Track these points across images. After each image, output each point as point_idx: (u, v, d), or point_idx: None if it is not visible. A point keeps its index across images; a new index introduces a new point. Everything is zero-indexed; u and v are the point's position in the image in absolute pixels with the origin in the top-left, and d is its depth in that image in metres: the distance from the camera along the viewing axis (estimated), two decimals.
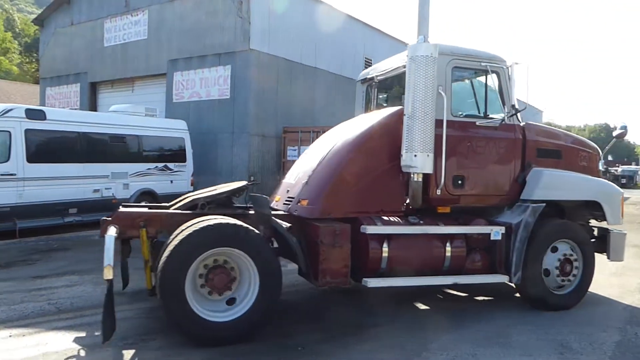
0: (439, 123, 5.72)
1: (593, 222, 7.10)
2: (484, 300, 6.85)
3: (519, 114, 6.31)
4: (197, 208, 5.57)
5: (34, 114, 10.90)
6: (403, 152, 5.68)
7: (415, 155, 5.58)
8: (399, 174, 5.80)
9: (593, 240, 6.86)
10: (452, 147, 5.89)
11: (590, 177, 6.76)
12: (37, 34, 38.35)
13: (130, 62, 19.74)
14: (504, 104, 6.22)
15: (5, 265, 8.19)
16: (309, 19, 18.82)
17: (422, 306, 6.47)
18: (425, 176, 5.77)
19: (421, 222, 5.85)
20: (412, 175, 5.72)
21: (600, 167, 7.19)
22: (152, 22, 19.02)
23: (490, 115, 6.14)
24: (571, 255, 6.32)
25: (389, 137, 5.83)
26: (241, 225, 4.89)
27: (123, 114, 13.44)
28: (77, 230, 11.61)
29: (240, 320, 4.86)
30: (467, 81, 6.51)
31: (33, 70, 52.05)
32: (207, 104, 17.24)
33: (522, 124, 6.42)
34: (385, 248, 5.57)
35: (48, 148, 11.20)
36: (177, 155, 14.15)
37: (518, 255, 5.94)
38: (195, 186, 13.37)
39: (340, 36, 20.57)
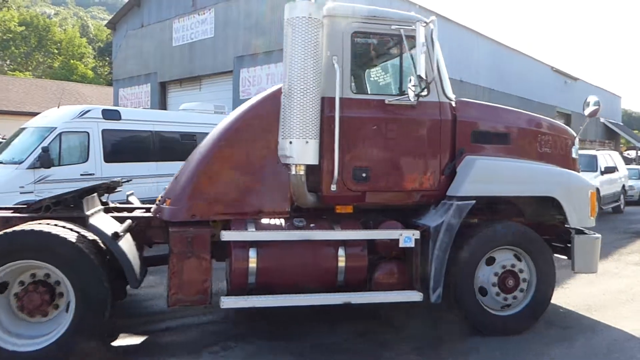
0: (333, 102, 4.67)
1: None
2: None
3: (444, 88, 5.04)
4: (41, 210, 4.61)
5: (110, 114, 11.07)
6: (279, 139, 4.70)
7: (290, 143, 4.51)
8: (282, 167, 4.73)
9: (563, 246, 5.51)
10: (352, 131, 4.76)
11: (546, 166, 5.34)
12: (110, 38, 40.09)
13: (198, 60, 19.98)
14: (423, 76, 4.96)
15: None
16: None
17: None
18: (317, 169, 4.73)
19: (313, 225, 4.82)
20: (290, 168, 4.62)
21: (574, 154, 5.74)
22: (218, 20, 19.14)
23: (414, 92, 4.72)
24: (513, 266, 5.05)
25: (265, 123, 4.80)
26: (49, 233, 4.00)
27: (193, 112, 13.48)
28: None
29: (44, 352, 4.00)
30: (375, 50, 5.30)
31: (106, 73, 54.62)
32: None
33: (452, 102, 5.13)
34: (252, 258, 4.59)
35: (123, 148, 11.36)
36: None
37: (437, 266, 4.71)
38: None
39: None
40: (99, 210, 4.95)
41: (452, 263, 4.80)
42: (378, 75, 5.67)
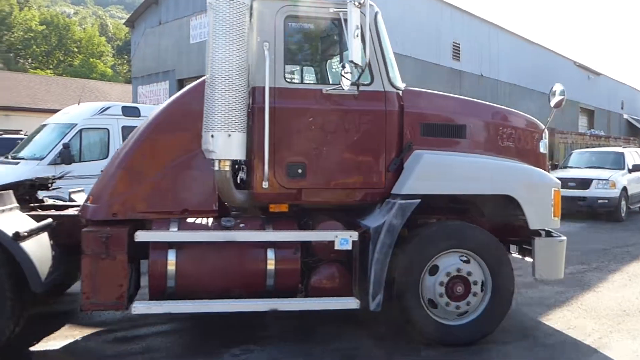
0: (263, 92, 4.36)
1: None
2: None
3: (390, 76, 4.64)
4: None
5: (130, 111, 11.06)
6: (202, 132, 4.32)
7: (212, 136, 4.17)
8: (208, 163, 4.39)
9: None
10: (286, 124, 4.44)
11: (503, 162, 4.90)
12: (128, 36, 40.41)
13: None
14: (370, 65, 4.57)
15: None
16: (396, 4, 17.99)
17: None
18: (247, 164, 4.52)
19: (242, 224, 4.53)
20: (213, 163, 4.29)
21: (543, 149, 5.29)
22: None
23: (350, 81, 4.30)
24: (459, 270, 4.55)
25: (190, 116, 4.49)
26: None
27: None
28: None
29: None
30: (313, 36, 4.88)
31: (125, 71, 55.19)
32: None
33: (399, 91, 4.74)
34: (171, 260, 4.29)
35: None
36: None
37: (377, 272, 4.31)
38: None
39: (427, 20, 19.55)
40: (13, 208, 4.54)
41: (396, 270, 4.43)
42: (318, 63, 5.16)
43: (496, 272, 4.63)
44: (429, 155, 4.62)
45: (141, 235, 4.25)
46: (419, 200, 4.47)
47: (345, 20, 4.18)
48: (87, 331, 5.05)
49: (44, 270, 4.12)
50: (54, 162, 9.66)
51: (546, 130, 5.36)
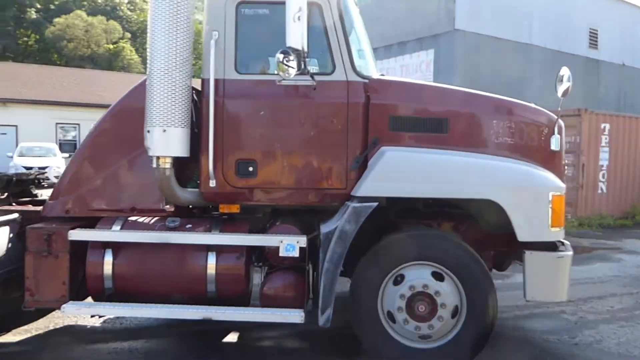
0: (220, 85, 4.08)
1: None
2: None
3: (354, 64, 4.12)
4: None
5: None
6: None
7: (148, 132, 3.98)
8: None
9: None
10: (236, 118, 4.13)
11: (486, 161, 4.14)
12: None
13: None
14: (330, 52, 4.12)
15: None
16: None
17: None
18: (191, 162, 4.19)
19: (189, 226, 4.21)
20: (152, 161, 4.04)
21: (554, 146, 4.34)
22: None
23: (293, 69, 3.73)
24: (426, 287, 3.93)
25: (139, 112, 4.15)
26: None
27: None
28: None
29: None
30: (268, 23, 4.34)
31: None
32: None
33: (365, 80, 4.19)
34: (107, 260, 4.12)
35: None
36: None
37: (327, 283, 3.86)
38: None
39: (558, 6, 17.83)
40: None
41: (353, 279, 4.04)
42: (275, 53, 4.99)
43: (472, 297, 3.95)
44: (392, 153, 4.06)
45: (74, 234, 4.12)
46: (375, 204, 3.93)
47: (312, 4, 3.89)
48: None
49: None
50: None
51: (560, 125, 4.42)
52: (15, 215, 4.46)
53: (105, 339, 4.80)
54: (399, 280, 4.01)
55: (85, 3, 57.63)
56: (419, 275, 3.98)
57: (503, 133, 4.25)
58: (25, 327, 4.99)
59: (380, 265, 4.01)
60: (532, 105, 4.49)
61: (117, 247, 4.19)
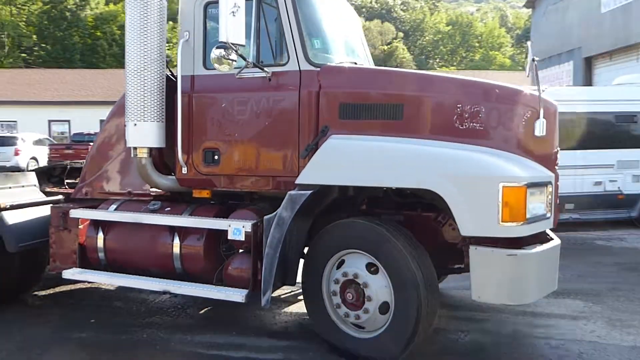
0: (185, 80, 4.49)
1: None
2: None
3: (308, 54, 4.19)
4: None
5: None
6: None
7: (125, 125, 4.63)
8: None
9: None
10: (203, 111, 4.48)
11: (429, 149, 3.82)
12: (528, 23, 38.64)
13: (635, 25, 16.20)
14: (285, 43, 4.20)
15: None
16: None
17: None
18: (169, 152, 4.64)
19: (168, 209, 4.69)
20: (132, 151, 4.62)
21: (539, 131, 3.83)
22: None
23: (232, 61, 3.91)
24: (356, 276, 3.93)
25: None
26: None
27: (632, 86, 10.64)
28: (572, 229, 9.81)
29: None
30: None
31: (523, 59, 53.64)
32: None
33: (318, 68, 4.14)
34: (100, 236, 4.84)
35: None
36: None
37: (267, 266, 4.00)
38: None
39: None
40: (30, 186, 5.78)
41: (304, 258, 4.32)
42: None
43: (397, 288, 3.84)
44: (332, 141, 4.09)
45: (73, 213, 4.90)
46: (309, 192, 4.02)
47: (263, 2, 4.16)
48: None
49: (21, 236, 5.06)
50: None
51: (550, 108, 4.13)
52: (59, 197, 5.59)
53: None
54: (340, 265, 4.12)
55: (364, 10, 61.96)
56: (354, 264, 4.03)
57: (470, 118, 3.90)
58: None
59: (321, 249, 4.16)
60: (511, 86, 4.13)
61: (106, 225, 4.87)
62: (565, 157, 9.50)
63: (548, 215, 3.88)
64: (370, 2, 62.93)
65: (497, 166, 3.69)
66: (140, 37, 4.39)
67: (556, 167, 4.12)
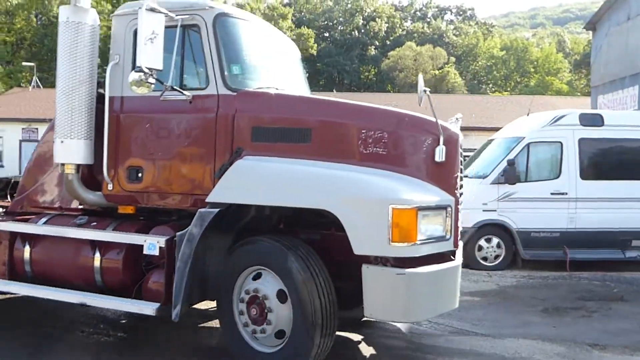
0: (113, 101, 4.72)
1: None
2: None
3: (226, 79, 4.43)
4: None
5: (590, 120, 9.08)
6: None
7: (53, 142, 4.86)
8: None
9: None
10: (127, 130, 4.68)
11: (329, 171, 4.07)
12: (587, 49, 37.18)
13: None
14: (205, 68, 4.47)
15: (553, 311, 6.49)
16: None
17: None
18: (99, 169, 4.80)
19: (94, 223, 4.88)
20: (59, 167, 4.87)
21: (439, 157, 4.05)
22: None
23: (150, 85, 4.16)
24: (257, 291, 4.13)
25: None
26: None
27: None
28: None
29: None
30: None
31: (582, 85, 51.78)
32: None
33: (234, 93, 4.40)
34: (27, 249, 5.00)
35: (605, 161, 9.16)
36: None
37: (178, 280, 4.15)
38: None
39: None
40: None
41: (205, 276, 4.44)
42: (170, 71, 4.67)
43: (299, 308, 3.95)
44: (241, 162, 4.32)
45: (2, 226, 5.10)
46: (216, 210, 4.18)
47: (189, 25, 4.44)
48: None
49: None
50: (497, 181, 8.76)
51: (452, 136, 4.28)
52: None
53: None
54: (255, 277, 4.23)
55: (415, 35, 61.61)
56: (263, 280, 4.19)
57: (374, 143, 4.16)
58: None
59: (229, 265, 4.32)
60: (414, 114, 4.31)
61: (33, 238, 5.01)
62: (634, 188, 8.74)
63: (447, 237, 4.05)
64: (423, 28, 62.62)
65: (389, 189, 3.91)
66: (70, 59, 4.65)
67: (456, 192, 4.23)
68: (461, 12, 67.27)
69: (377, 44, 60.94)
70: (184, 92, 4.38)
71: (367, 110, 4.42)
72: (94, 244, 4.75)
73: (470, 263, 8.40)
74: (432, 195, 4.01)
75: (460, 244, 4.98)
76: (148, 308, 4.34)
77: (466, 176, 9.15)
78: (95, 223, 4.89)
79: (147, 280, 4.51)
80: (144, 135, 4.66)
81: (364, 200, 3.86)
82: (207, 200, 4.24)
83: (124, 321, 5.75)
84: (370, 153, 4.16)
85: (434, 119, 4.15)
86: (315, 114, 4.44)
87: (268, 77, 4.90)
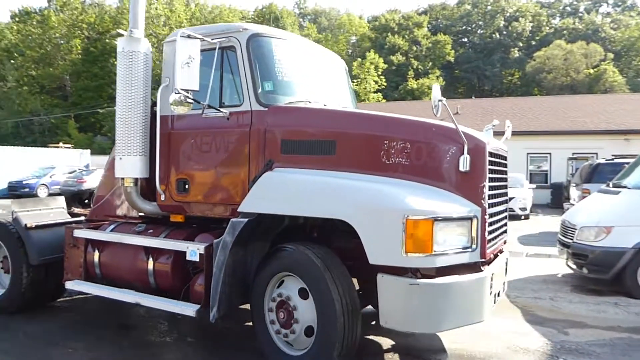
0: (163, 120, 5.10)
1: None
2: None
3: (258, 95, 4.69)
4: None
5: None
6: None
7: (113, 159, 5.53)
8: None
9: None
10: (177, 146, 5.10)
11: (348, 182, 4.18)
12: None
13: None
14: (240, 86, 4.76)
15: None
16: None
17: None
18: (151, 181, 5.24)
19: (150, 231, 5.30)
20: (120, 180, 5.38)
21: (464, 167, 3.97)
22: None
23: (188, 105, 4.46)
24: (289, 298, 4.32)
25: None
26: None
27: None
28: None
29: None
30: (204, 66, 4.63)
31: None
32: None
33: (266, 108, 4.65)
34: (96, 253, 5.52)
35: None
36: None
37: (214, 285, 4.42)
38: None
39: None
40: (59, 208, 6.71)
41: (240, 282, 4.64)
42: (213, 91, 4.90)
43: (324, 312, 4.11)
44: (270, 174, 4.53)
45: (77, 233, 5.63)
46: (246, 220, 4.41)
47: (226, 47, 4.78)
48: None
49: (42, 250, 5.85)
50: None
51: (478, 145, 4.13)
52: (81, 217, 6.42)
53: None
54: (279, 284, 4.46)
55: (565, 32, 56.78)
56: (290, 285, 4.38)
57: (397, 153, 4.21)
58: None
59: (263, 271, 4.51)
60: (439, 123, 4.26)
61: (101, 244, 5.53)
62: None
63: (472, 247, 3.96)
64: (574, 23, 57.36)
65: (404, 199, 3.90)
66: (126, 83, 5.09)
67: (483, 201, 4.08)
68: (620, 3, 60.30)
69: (521, 45, 57.23)
70: (222, 109, 4.72)
71: (389, 121, 4.46)
72: (148, 250, 5.14)
73: (632, 291, 7.15)
74: (456, 205, 3.95)
75: (504, 256, 4.90)
76: (189, 309, 4.64)
77: (625, 187, 7.98)
78: (151, 230, 5.33)
79: (193, 284, 4.86)
80: (189, 150, 5.07)
81: (379, 210, 3.92)
82: (238, 210, 4.50)
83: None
84: (393, 163, 4.23)
85: (457, 127, 4.08)
86: (339, 126, 4.58)
87: (304, 91, 5.10)
